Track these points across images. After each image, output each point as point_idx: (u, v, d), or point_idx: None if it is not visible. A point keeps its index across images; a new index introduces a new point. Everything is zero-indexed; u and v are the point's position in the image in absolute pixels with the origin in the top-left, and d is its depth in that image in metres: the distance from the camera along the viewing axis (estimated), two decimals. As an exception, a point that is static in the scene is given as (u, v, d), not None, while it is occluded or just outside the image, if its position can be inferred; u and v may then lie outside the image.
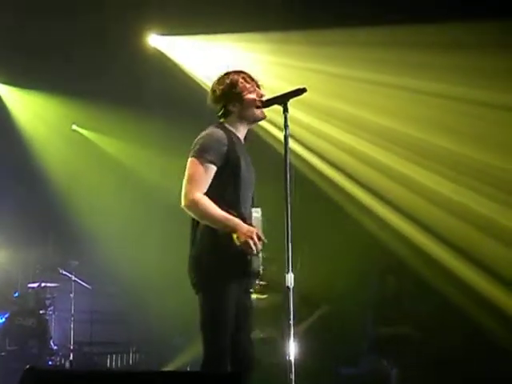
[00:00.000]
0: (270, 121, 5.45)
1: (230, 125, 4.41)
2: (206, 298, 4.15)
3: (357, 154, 8.19)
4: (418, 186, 7.85)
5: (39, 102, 10.14)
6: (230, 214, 4.10)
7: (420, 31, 7.19)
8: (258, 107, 4.37)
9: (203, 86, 8.19)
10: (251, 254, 4.06)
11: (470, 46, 6.97)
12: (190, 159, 4.23)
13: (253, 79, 4.47)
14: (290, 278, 3.98)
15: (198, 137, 4.29)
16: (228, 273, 4.10)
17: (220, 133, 4.27)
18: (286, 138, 4.13)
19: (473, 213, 7.47)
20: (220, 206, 4.11)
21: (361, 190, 8.22)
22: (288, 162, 4.08)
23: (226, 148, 4.22)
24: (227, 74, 4.47)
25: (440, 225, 7.65)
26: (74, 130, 10.45)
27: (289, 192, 4.02)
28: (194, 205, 4.10)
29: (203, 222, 4.13)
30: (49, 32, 8.42)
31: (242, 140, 4.45)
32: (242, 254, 4.07)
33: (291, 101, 4.18)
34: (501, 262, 7.14)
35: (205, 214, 4.10)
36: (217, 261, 4.12)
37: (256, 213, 4.30)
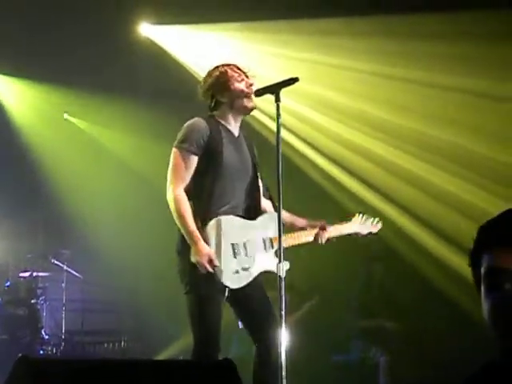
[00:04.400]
0: (262, 111, 5.45)
1: (220, 116, 4.45)
2: (185, 293, 4.24)
3: (345, 142, 8.20)
4: (408, 174, 7.87)
5: (31, 91, 10.09)
6: (202, 203, 4.21)
7: (419, 21, 7.18)
8: (247, 97, 4.40)
9: (195, 75, 8.18)
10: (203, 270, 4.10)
11: (474, 36, 6.94)
12: (172, 150, 4.33)
13: (240, 69, 4.52)
14: (281, 268, 3.99)
15: (182, 127, 4.37)
16: (193, 278, 4.18)
17: (201, 122, 4.34)
18: (278, 127, 4.14)
19: (461, 201, 7.49)
20: (197, 196, 4.23)
21: (350, 178, 8.24)
22: (280, 151, 4.09)
23: (206, 138, 4.28)
24: (216, 67, 4.54)
25: (430, 213, 7.68)
26: (66, 119, 10.42)
27: (281, 181, 4.03)
28: (172, 201, 4.22)
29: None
30: (39, 21, 8.38)
31: (235, 131, 4.48)
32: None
33: (283, 90, 4.19)
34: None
35: (177, 215, 4.19)
36: (184, 263, 4.21)
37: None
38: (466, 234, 7.18)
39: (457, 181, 7.54)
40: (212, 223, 4.22)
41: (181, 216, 4.16)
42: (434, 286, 7.43)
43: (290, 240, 4.42)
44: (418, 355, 7.21)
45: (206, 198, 4.26)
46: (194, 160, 4.27)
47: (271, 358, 4.13)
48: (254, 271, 4.28)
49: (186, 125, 4.38)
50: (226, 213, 4.28)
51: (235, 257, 4.22)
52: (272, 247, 4.38)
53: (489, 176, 7.33)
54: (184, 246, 4.22)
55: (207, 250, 4.11)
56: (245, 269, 4.22)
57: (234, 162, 4.37)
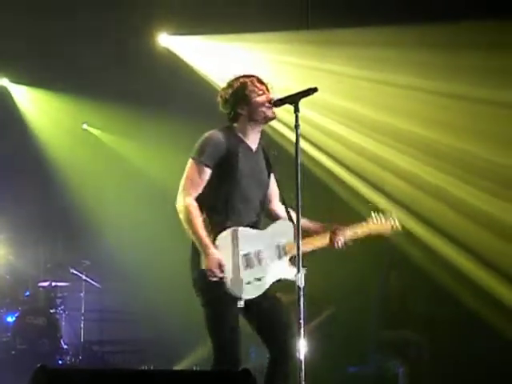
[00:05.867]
0: (281, 121, 5.45)
1: (240, 129, 4.44)
2: (202, 305, 4.25)
3: (362, 151, 8.17)
4: (424, 183, 7.82)
5: (50, 101, 10.16)
6: (216, 216, 4.23)
7: (436, 31, 7.17)
8: (266, 107, 4.38)
9: (214, 86, 8.20)
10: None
11: (478, 46, 6.94)
12: (189, 160, 4.35)
13: (262, 82, 4.50)
14: (300, 278, 3.98)
15: (200, 138, 4.37)
16: (208, 288, 4.18)
17: (218, 135, 4.35)
18: (297, 137, 4.13)
19: (475, 209, 7.44)
20: (210, 209, 4.25)
21: (368, 188, 8.21)
22: (299, 161, 4.08)
23: (222, 152, 4.29)
24: (236, 78, 4.52)
25: (447, 223, 7.63)
26: (85, 130, 10.47)
27: (299, 191, 4.02)
28: (182, 209, 4.25)
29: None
30: (59, 31, 8.44)
31: (253, 145, 4.48)
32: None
33: (302, 100, 4.18)
34: (503, 258, 7.11)
35: (187, 222, 4.21)
36: (198, 275, 4.21)
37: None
38: (478, 239, 7.11)
39: (487, 196, 7.48)
40: (223, 235, 4.21)
41: (191, 223, 4.18)
42: (456, 297, 7.37)
43: (303, 246, 4.29)
44: (439, 368, 7.15)
45: (219, 211, 4.28)
46: (208, 173, 4.29)
47: (284, 369, 4.17)
48: (268, 280, 4.28)
49: (203, 136, 4.38)
50: (238, 225, 4.27)
51: (247, 268, 4.21)
52: (285, 254, 4.37)
53: (492, 179, 7.29)
54: (196, 258, 4.22)
55: (217, 256, 4.10)
56: (257, 279, 4.22)
57: (249, 177, 4.37)
